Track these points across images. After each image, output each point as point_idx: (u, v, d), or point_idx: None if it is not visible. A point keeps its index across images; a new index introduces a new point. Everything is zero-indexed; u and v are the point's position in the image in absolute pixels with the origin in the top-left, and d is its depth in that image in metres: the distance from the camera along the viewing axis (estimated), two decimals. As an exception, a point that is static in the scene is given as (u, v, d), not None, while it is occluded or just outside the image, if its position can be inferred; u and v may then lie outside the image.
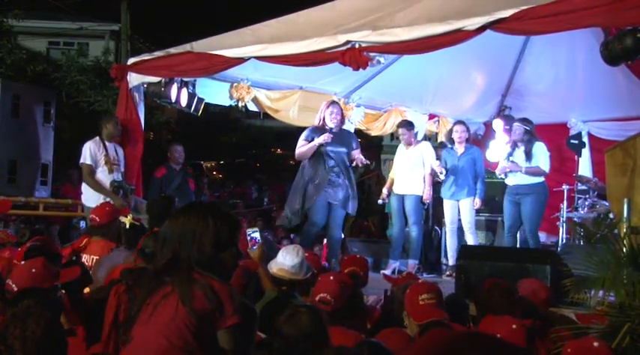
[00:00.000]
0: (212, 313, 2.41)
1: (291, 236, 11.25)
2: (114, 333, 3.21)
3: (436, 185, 8.80)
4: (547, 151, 8.02)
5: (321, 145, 7.43)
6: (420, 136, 10.43)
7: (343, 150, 7.58)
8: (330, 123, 7.55)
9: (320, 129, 7.57)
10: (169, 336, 2.37)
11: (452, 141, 8.52)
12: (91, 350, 3.25)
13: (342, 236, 7.98)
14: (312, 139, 7.48)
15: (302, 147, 7.55)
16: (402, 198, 8.25)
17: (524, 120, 8.16)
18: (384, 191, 8.50)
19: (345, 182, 7.58)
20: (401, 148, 8.46)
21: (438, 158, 8.90)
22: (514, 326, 3.32)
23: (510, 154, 8.16)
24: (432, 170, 8.18)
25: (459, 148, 8.39)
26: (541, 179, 7.98)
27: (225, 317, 2.42)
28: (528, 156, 7.91)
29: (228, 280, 2.61)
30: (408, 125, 8.45)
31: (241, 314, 2.45)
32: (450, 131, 8.64)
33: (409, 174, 8.25)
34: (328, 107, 7.64)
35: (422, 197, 8.16)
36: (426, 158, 8.25)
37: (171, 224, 2.63)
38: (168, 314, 2.40)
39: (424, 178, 8.21)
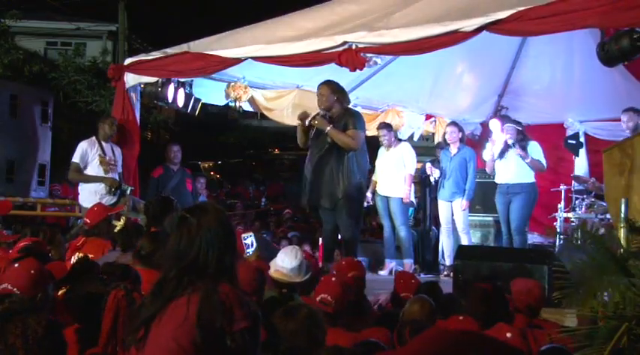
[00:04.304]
0: (222, 318, 2.41)
1: (289, 236, 11.24)
2: (112, 338, 3.21)
3: (434, 186, 8.83)
4: (541, 149, 8.11)
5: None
6: (416, 137, 10.47)
7: (323, 140, 6.76)
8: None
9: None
10: (179, 339, 2.38)
11: (445, 143, 8.64)
12: (87, 354, 3.23)
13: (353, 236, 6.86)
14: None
15: None
16: (386, 199, 8.35)
17: (515, 122, 8.28)
18: (368, 194, 8.53)
19: (324, 180, 6.72)
20: (382, 150, 8.56)
21: (435, 159, 8.96)
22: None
23: (503, 154, 8.23)
24: (420, 171, 8.21)
25: (452, 149, 8.50)
26: (532, 179, 8.09)
27: (235, 321, 2.42)
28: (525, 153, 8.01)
29: (236, 282, 2.62)
30: (387, 127, 8.60)
31: (250, 318, 2.46)
32: (444, 133, 8.77)
33: (392, 176, 8.35)
34: None
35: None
36: (406, 159, 8.32)
37: (187, 229, 2.57)
38: (179, 318, 2.41)
39: (405, 178, 8.27)
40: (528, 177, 8.09)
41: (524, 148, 8.00)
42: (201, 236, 2.54)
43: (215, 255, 2.53)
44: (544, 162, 8.16)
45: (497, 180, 8.32)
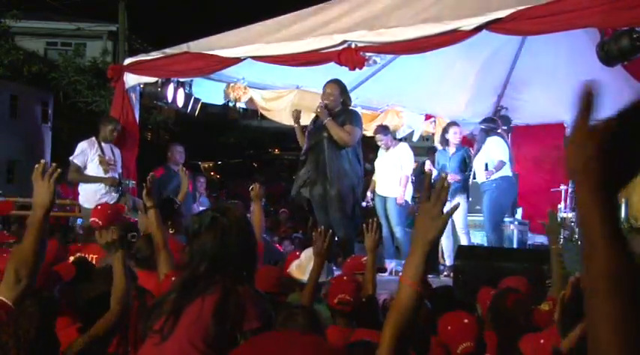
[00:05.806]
0: (235, 317, 2.45)
1: (293, 236, 11.22)
2: (124, 338, 3.22)
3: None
4: (503, 144, 8.18)
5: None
6: (416, 137, 10.45)
7: (319, 136, 6.78)
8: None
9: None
10: (192, 337, 2.40)
11: (445, 142, 8.60)
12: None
13: (344, 236, 6.89)
14: None
15: None
16: (384, 200, 8.36)
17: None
18: (368, 194, 8.54)
19: (316, 176, 6.79)
20: (381, 151, 8.59)
21: (432, 160, 8.96)
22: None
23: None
24: (416, 170, 8.21)
25: (451, 149, 8.47)
26: (495, 175, 8.10)
27: (247, 320, 2.45)
28: (481, 153, 8.12)
29: (252, 281, 2.67)
30: (383, 130, 8.57)
31: (262, 318, 2.49)
32: (443, 132, 8.73)
33: (390, 177, 8.33)
34: None
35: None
36: (403, 159, 8.32)
37: (221, 228, 2.62)
38: (192, 317, 2.43)
39: (400, 180, 8.27)
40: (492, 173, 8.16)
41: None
42: (233, 236, 2.61)
43: (240, 254, 2.61)
44: (499, 153, 8.13)
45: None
